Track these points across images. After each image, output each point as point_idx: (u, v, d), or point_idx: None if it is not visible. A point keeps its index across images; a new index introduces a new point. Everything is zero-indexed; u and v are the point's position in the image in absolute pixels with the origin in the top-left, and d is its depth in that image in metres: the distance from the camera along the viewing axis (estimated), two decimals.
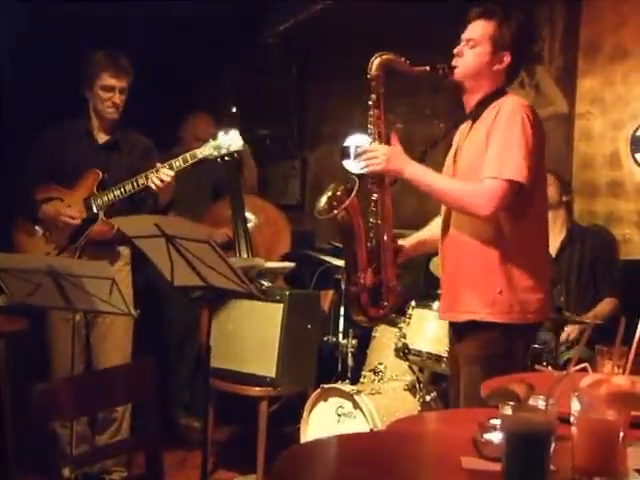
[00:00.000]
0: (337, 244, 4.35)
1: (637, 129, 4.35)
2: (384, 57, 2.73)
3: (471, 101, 2.74)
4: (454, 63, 2.70)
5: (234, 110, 4.85)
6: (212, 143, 3.48)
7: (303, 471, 1.56)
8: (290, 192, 5.58)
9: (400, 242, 2.85)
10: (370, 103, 2.77)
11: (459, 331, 2.75)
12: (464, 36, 2.72)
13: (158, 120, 4.54)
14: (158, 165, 3.48)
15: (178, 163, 3.48)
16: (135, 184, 3.50)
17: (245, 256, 4.44)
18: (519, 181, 2.52)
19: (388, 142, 2.72)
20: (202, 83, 5.08)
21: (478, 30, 2.69)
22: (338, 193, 2.79)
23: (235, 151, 3.51)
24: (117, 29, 4.37)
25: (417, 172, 2.64)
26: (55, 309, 3.29)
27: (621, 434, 1.44)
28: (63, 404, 1.98)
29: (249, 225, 4.58)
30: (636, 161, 4.36)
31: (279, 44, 5.31)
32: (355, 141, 4.99)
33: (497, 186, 2.52)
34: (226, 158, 3.52)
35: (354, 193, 2.70)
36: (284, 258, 4.57)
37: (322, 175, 5.57)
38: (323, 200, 2.79)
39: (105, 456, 3.03)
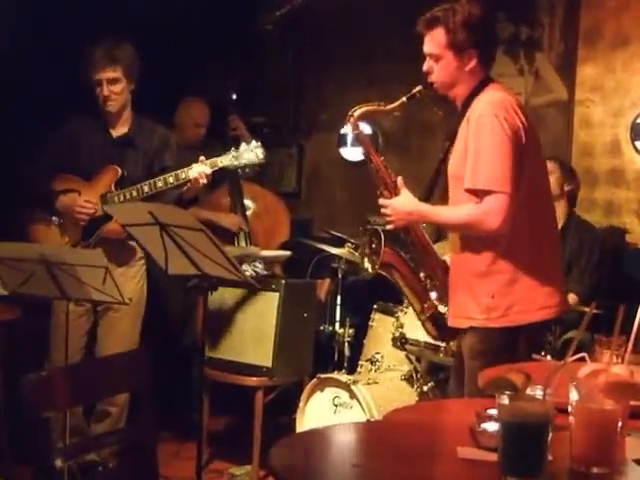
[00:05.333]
0: (334, 232, 4.33)
1: (637, 117, 4.31)
2: (358, 113, 2.76)
3: (459, 104, 2.73)
4: (430, 80, 2.70)
5: (234, 97, 4.80)
6: (233, 153, 3.52)
7: (299, 461, 1.54)
8: (286, 180, 5.55)
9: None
10: (365, 159, 2.81)
11: None
12: (425, 51, 2.70)
13: (156, 107, 4.50)
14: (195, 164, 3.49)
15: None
16: (153, 184, 3.47)
17: (243, 244, 4.42)
18: (493, 190, 2.49)
19: (396, 189, 2.74)
20: (199, 70, 5.04)
21: (432, 43, 2.66)
22: (373, 246, 2.85)
23: (255, 164, 3.59)
24: (115, 17, 4.34)
25: (429, 214, 2.67)
26: (48, 298, 3.26)
27: (619, 424, 1.42)
28: (56, 394, 1.95)
29: (248, 212, 4.55)
30: (636, 149, 4.33)
31: (275, 30, 5.27)
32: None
33: (496, 200, 2.49)
34: (246, 169, 3.70)
35: (383, 246, 2.75)
36: (283, 246, 4.54)
37: (319, 163, 5.54)
38: (365, 262, 2.88)
39: (97, 446, 3.01)
